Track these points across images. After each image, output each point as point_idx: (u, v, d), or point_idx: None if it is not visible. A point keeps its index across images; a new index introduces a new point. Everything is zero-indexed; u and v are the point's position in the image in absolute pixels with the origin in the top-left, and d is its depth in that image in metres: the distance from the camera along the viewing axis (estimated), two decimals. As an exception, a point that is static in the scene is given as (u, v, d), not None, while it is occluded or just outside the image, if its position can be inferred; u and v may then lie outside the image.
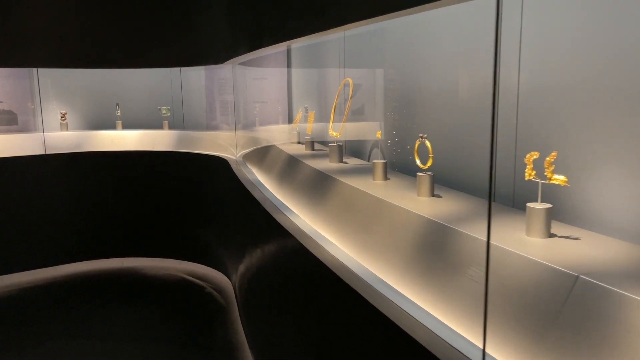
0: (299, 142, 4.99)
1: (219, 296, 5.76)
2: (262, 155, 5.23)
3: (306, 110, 5.09)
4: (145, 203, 6.85)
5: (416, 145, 2.61)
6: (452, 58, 2.90)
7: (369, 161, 3.99)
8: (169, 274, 6.54)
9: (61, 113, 7.07)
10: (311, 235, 2.84)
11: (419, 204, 2.44)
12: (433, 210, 2.28)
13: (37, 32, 6.22)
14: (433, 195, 2.54)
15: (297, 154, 4.27)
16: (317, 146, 4.57)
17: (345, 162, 3.71)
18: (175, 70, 7.45)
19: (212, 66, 7.00)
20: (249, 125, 5.98)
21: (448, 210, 2.29)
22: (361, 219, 2.64)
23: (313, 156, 4.17)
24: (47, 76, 7.06)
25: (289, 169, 4.15)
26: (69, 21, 6.32)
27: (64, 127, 7.07)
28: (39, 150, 6.52)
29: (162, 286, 6.27)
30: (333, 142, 3.74)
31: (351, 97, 3.57)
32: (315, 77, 5.45)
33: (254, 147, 5.65)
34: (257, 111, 5.88)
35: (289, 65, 6.14)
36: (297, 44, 5.42)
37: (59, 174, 6.60)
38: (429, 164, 2.52)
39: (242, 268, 5.02)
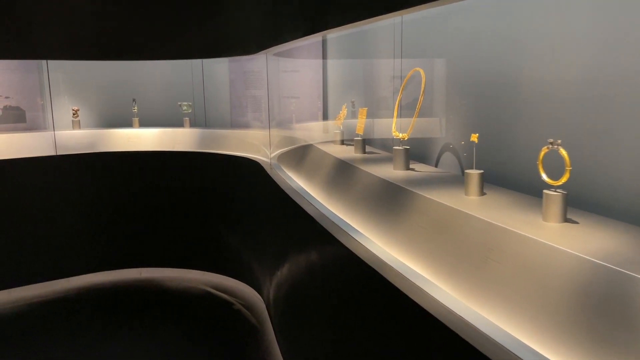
0: (342, 143, 4.39)
1: (250, 314, 5.17)
2: (299, 157, 4.63)
3: (353, 106, 4.48)
4: (165, 208, 6.31)
5: (541, 154, 1.98)
6: (557, 43, 2.27)
7: (436, 166, 3.38)
8: (192, 286, 5.98)
9: (73, 110, 6.56)
10: (395, 267, 2.23)
11: (553, 232, 1.82)
12: (580, 244, 1.67)
13: (46, 20, 5.66)
14: (566, 220, 1.92)
15: (347, 158, 3.67)
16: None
17: (412, 169, 3.11)
18: (197, 62, 6.88)
19: (238, 58, 6.42)
20: (282, 123, 5.38)
21: (603, 245, 1.67)
22: (466, 250, 2.03)
23: (367, 160, 3.57)
24: (58, 69, 6.53)
25: (339, 175, 3.55)
26: (81, 9, 5.75)
27: (76, 125, 6.57)
28: (49, 151, 6.01)
29: (184, 300, 5.72)
30: (394, 143, 3.14)
31: (423, 91, 2.95)
32: (358, 69, 4.84)
33: (289, 148, 5.06)
34: (293, 107, 5.26)
35: (324, 57, 5.53)
36: (335, 33, 4.81)
37: (70, 177, 6.08)
38: (564, 179, 1.90)
39: (279, 285, 4.43)
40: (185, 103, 6.65)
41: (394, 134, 3.16)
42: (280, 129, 5.38)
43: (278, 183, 4.17)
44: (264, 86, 6.12)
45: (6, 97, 6.34)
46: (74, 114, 6.55)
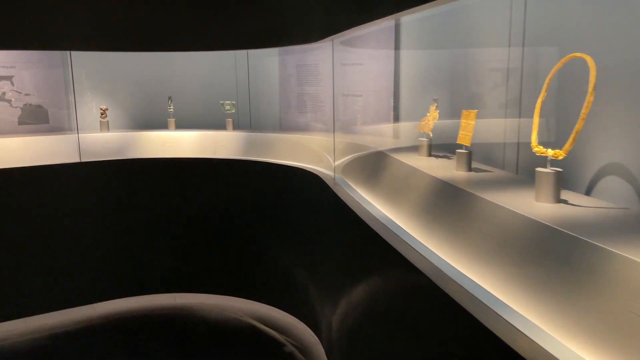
0: (430, 154, 3.43)
1: (306, 361, 4.31)
2: (371, 171, 3.71)
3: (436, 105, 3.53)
4: (204, 225, 5.68)
5: None
6: None
7: (588, 195, 2.39)
8: (233, 317, 5.25)
9: (101, 109, 5.96)
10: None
11: None
12: None
13: (70, 7, 4.99)
14: None
15: (450, 178, 2.71)
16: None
17: (565, 201, 2.13)
18: (241, 54, 6.23)
19: (290, 49, 5.58)
20: (345, 126, 4.50)
21: None
22: None
23: (481, 183, 2.61)
24: (84, 63, 5.97)
25: (444, 203, 2.59)
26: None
27: (104, 126, 6.00)
28: (72, 157, 5.40)
29: (225, 334, 5.00)
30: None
31: (593, 88, 1.97)
32: (444, 60, 3.90)
33: (355, 156, 4.15)
34: (358, 106, 4.37)
35: (397, 47, 4.60)
36: (412, 15, 3.86)
37: (96, 188, 5.49)
38: None
39: (345, 329, 3.54)
40: (228, 102, 6.10)
41: (535, 149, 2.18)
42: (343, 133, 4.49)
43: (350, 205, 3.26)
44: (321, 82, 5.24)
45: (26, 94, 5.68)
46: (102, 114, 5.99)
